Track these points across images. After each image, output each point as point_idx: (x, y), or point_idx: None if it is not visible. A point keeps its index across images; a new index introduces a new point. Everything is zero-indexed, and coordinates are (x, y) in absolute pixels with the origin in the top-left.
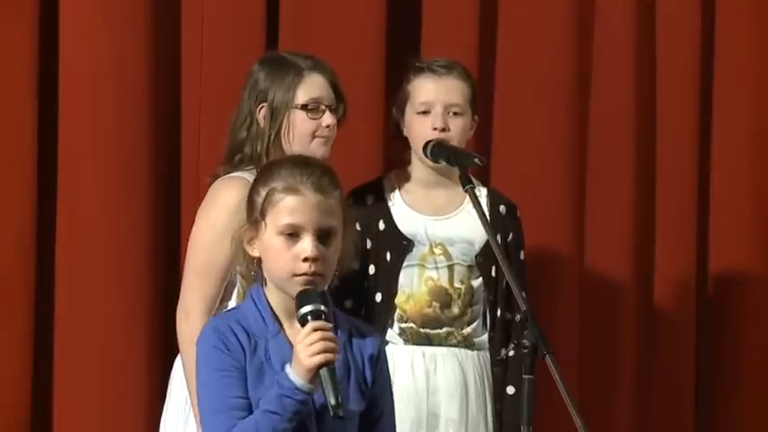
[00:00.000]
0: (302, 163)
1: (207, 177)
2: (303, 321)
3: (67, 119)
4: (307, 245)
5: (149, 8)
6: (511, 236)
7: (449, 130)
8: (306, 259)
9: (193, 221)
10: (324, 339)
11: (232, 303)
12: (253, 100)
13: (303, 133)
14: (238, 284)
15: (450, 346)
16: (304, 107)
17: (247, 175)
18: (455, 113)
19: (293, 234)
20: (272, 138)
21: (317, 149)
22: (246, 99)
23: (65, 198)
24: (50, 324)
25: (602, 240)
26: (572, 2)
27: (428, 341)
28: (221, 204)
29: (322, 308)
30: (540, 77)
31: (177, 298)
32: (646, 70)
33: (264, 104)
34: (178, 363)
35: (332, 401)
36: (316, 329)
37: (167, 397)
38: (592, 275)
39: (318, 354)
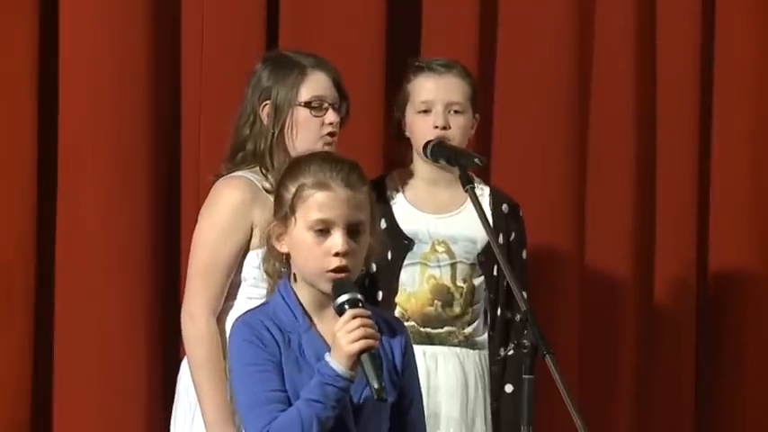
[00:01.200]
0: (331, 159)
1: (209, 176)
2: (341, 310)
3: (67, 119)
4: (337, 240)
5: (149, 8)
6: (513, 235)
7: (449, 128)
8: (337, 254)
9: (193, 221)
10: (364, 326)
11: (237, 303)
12: (256, 98)
13: (307, 131)
14: (265, 281)
15: (452, 345)
16: (307, 104)
17: (249, 174)
18: (456, 111)
19: (323, 229)
20: (276, 135)
21: None
22: (250, 97)
23: (65, 198)
24: (50, 324)
25: (602, 240)
26: (572, 2)
27: (429, 341)
28: (223, 204)
29: (358, 296)
30: (541, 77)
31: (177, 298)
32: (646, 70)
33: (268, 102)
34: (185, 365)
35: (375, 385)
36: (355, 317)
37: (176, 399)
38: (592, 275)
39: (359, 340)
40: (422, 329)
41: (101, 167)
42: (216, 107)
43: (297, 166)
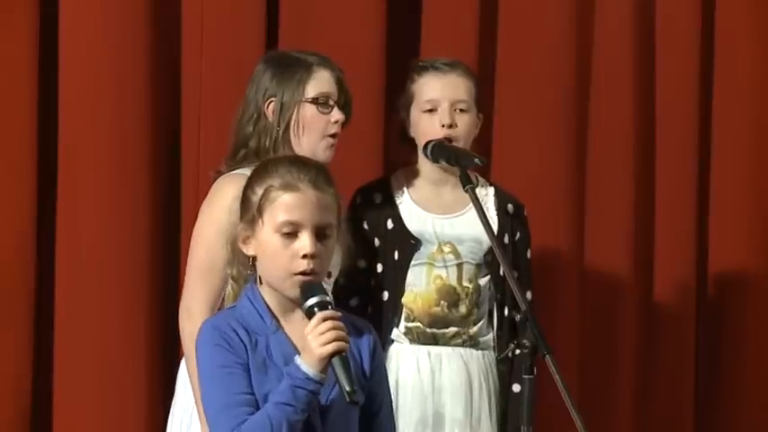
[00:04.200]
0: (298, 161)
1: (210, 172)
2: (310, 313)
3: (67, 119)
4: (305, 242)
5: (149, 8)
6: (518, 235)
7: (456, 126)
8: (305, 256)
9: (194, 221)
10: (334, 328)
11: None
12: (260, 96)
13: (313, 128)
14: (229, 287)
15: (456, 345)
16: (314, 101)
17: (250, 172)
18: (461, 110)
19: (291, 232)
20: (281, 132)
21: (322, 153)
22: (253, 96)
23: (65, 198)
24: (50, 324)
25: (602, 240)
26: (572, 2)
27: (434, 341)
28: (224, 201)
29: (327, 298)
30: (540, 77)
31: (177, 298)
32: (645, 70)
33: (273, 99)
34: (183, 364)
35: (347, 388)
36: (326, 319)
37: (174, 398)
38: (592, 275)
39: (330, 342)
40: (427, 330)
41: (101, 167)
42: (216, 107)
43: (264, 168)
